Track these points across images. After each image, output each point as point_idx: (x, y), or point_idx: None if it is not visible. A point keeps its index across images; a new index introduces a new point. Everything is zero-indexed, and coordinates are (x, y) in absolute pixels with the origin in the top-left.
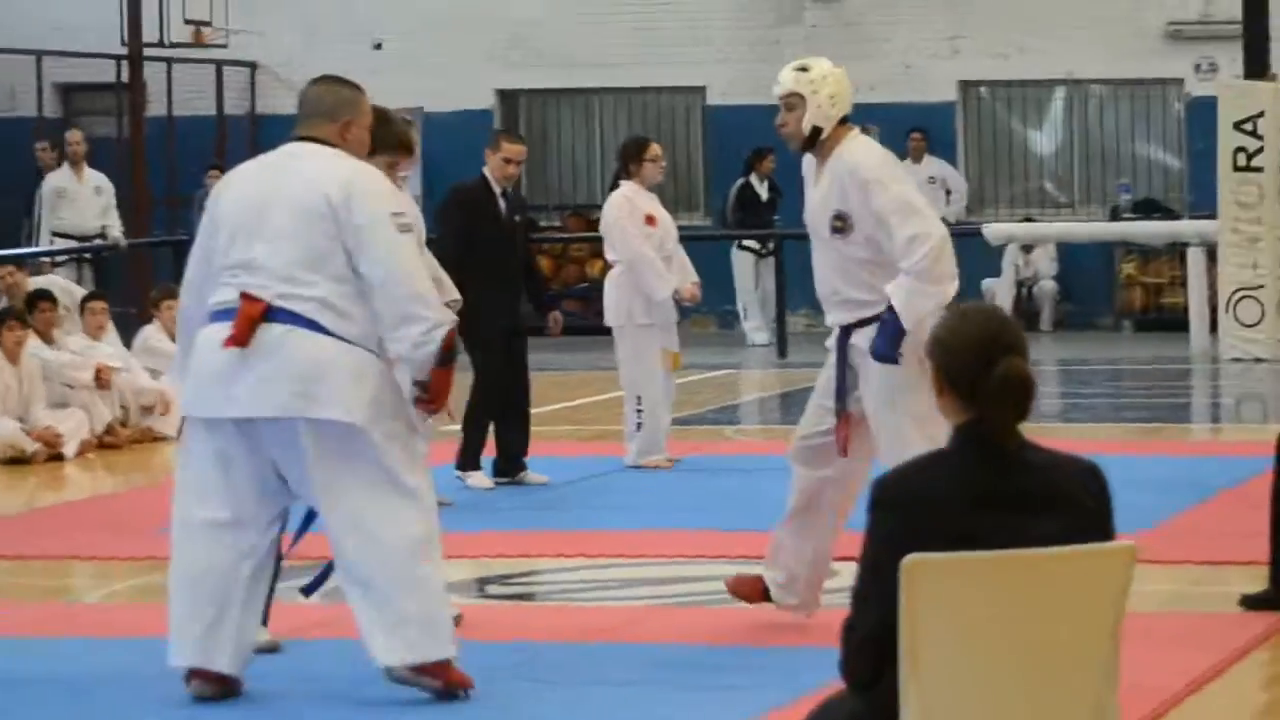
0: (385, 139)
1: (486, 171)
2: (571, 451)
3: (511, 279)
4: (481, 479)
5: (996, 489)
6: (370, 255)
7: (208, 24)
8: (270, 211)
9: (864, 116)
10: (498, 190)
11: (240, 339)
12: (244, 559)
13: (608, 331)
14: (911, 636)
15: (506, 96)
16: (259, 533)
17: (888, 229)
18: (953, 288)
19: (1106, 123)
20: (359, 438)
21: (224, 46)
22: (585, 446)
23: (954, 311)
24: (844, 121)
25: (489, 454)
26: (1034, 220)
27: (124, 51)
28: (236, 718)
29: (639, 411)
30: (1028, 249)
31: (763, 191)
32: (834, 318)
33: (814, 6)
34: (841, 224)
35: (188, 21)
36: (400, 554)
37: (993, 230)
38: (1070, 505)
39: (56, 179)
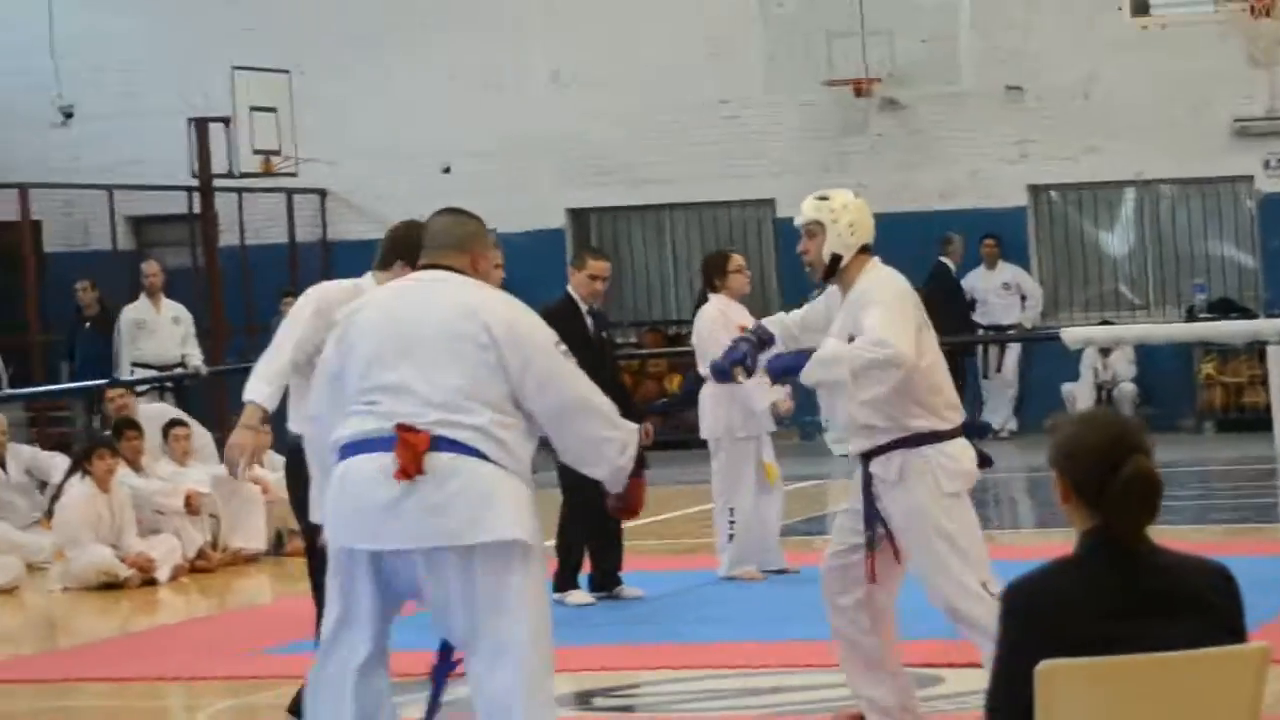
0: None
1: (571, 290)
2: (663, 565)
3: (614, 397)
4: (581, 596)
5: (1127, 593)
6: (549, 390)
7: (276, 153)
8: (419, 336)
9: (937, 224)
10: (584, 308)
11: (411, 470)
12: (382, 689)
13: (686, 445)
14: None
15: (578, 215)
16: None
17: (869, 325)
18: (851, 394)
19: (1179, 222)
20: (523, 561)
21: (293, 175)
22: (676, 560)
23: (1076, 419)
24: (864, 250)
25: (583, 570)
26: (1110, 323)
27: (194, 183)
28: None
29: (731, 523)
30: (1106, 352)
31: None
32: (855, 445)
33: (879, 116)
34: None
35: (256, 151)
36: (541, 684)
37: (1070, 334)
38: (1201, 607)
39: (135, 310)
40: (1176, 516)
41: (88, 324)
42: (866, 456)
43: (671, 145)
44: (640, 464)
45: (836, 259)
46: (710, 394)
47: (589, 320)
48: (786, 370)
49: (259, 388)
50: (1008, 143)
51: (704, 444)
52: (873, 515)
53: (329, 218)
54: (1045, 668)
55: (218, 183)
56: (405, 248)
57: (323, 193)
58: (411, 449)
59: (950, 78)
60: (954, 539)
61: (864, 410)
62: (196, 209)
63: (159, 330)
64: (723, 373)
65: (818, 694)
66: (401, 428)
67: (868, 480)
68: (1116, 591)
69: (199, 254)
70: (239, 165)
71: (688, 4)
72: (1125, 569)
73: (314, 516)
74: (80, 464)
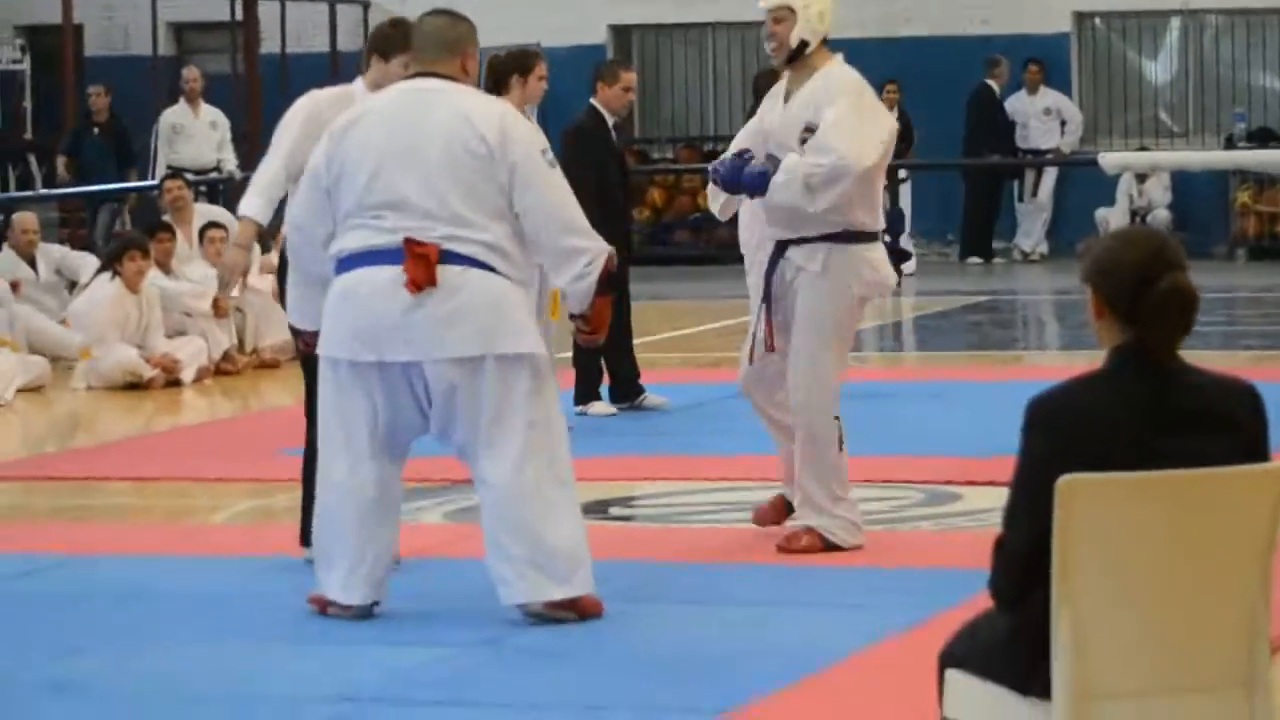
0: (399, 44)
1: (596, 103)
2: (686, 379)
3: (623, 209)
4: (603, 407)
5: (1156, 409)
6: (527, 193)
7: None
8: (419, 150)
9: (981, 48)
10: (609, 122)
11: (423, 282)
12: (385, 494)
13: (717, 260)
14: (1065, 555)
15: (620, 32)
16: (397, 466)
17: (822, 128)
18: (814, 208)
19: (1222, 52)
20: (535, 371)
21: None
22: (699, 373)
23: (1112, 235)
24: (825, 43)
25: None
26: (1148, 149)
27: None
28: (369, 632)
29: None
30: (1142, 178)
31: None
32: (774, 231)
33: None
34: (810, 136)
35: None
36: (552, 491)
37: (1108, 159)
38: (1229, 426)
39: (173, 115)
40: (1205, 341)
41: (95, 129)
42: (782, 245)
43: None
44: (609, 285)
45: (803, 45)
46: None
47: (613, 134)
48: (754, 186)
49: (251, 202)
50: None
51: (732, 259)
52: (772, 295)
53: (371, 28)
54: (1065, 482)
55: None
56: (378, 43)
57: (366, 3)
58: (423, 260)
59: None
60: (841, 341)
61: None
62: (239, 16)
63: (196, 135)
64: (760, 178)
65: None
66: (410, 241)
67: (776, 260)
68: (1143, 406)
69: (239, 61)
70: None
71: None
72: (1154, 384)
73: (292, 319)
74: (111, 263)
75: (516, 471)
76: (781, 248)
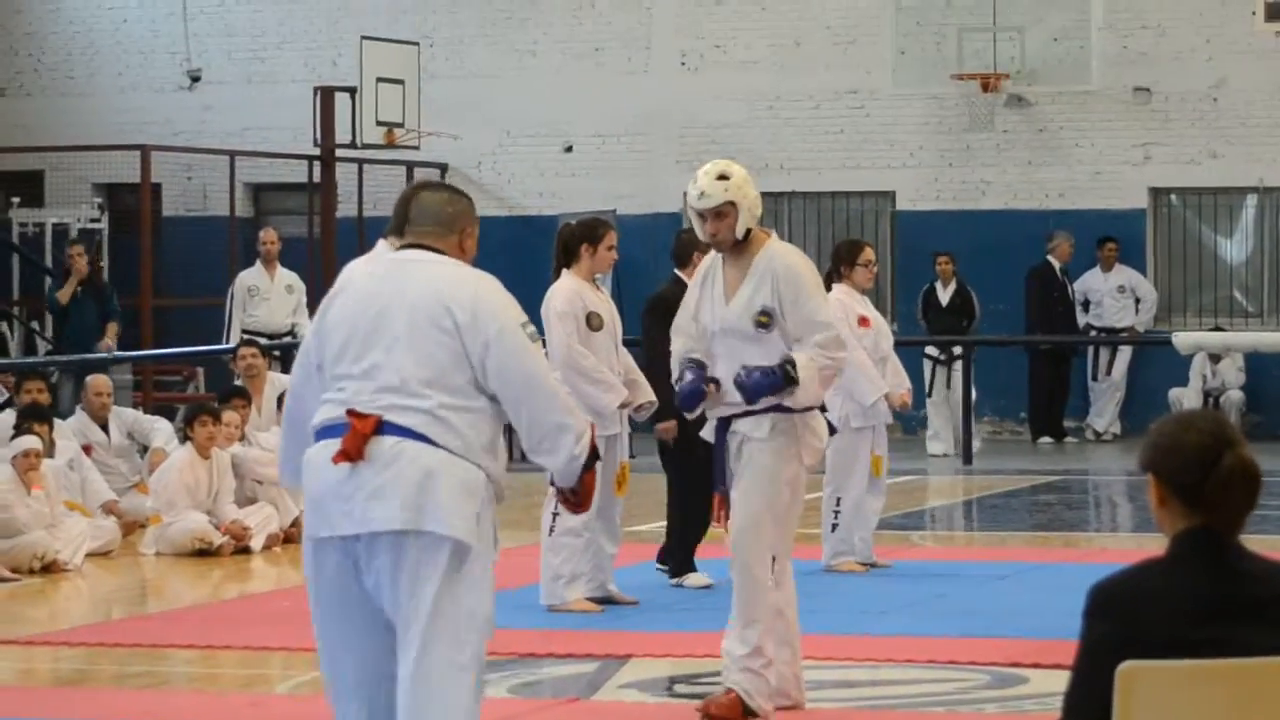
0: None
1: (682, 274)
2: None
3: None
4: (699, 578)
5: (1219, 596)
6: (507, 372)
7: (400, 125)
8: (386, 322)
9: (1054, 222)
10: None
11: (350, 454)
12: (376, 673)
13: None
14: None
15: None
16: (385, 640)
17: (812, 321)
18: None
19: None
20: (457, 555)
21: (415, 148)
22: None
23: (1172, 420)
24: None
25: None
26: (1223, 329)
27: (316, 152)
28: None
29: (836, 513)
30: (1216, 358)
31: (944, 296)
32: (719, 409)
33: (1005, 112)
34: (767, 320)
35: (380, 123)
36: (451, 688)
37: (1181, 339)
38: None
39: (249, 277)
40: (1270, 525)
41: (80, 288)
42: (726, 421)
43: (795, 133)
44: (595, 460)
45: (747, 233)
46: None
47: None
48: (767, 389)
49: None
50: (1132, 144)
51: None
52: (724, 472)
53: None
54: (1126, 669)
55: (339, 153)
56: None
57: (443, 167)
58: (356, 434)
59: (1079, 77)
60: (788, 509)
61: None
62: (317, 178)
63: (271, 297)
64: (691, 398)
65: (913, 688)
66: (351, 413)
67: (722, 437)
68: (1206, 594)
69: (316, 223)
70: (362, 136)
71: None
72: (1218, 571)
73: (285, 482)
74: (183, 429)
75: (418, 662)
76: (725, 423)
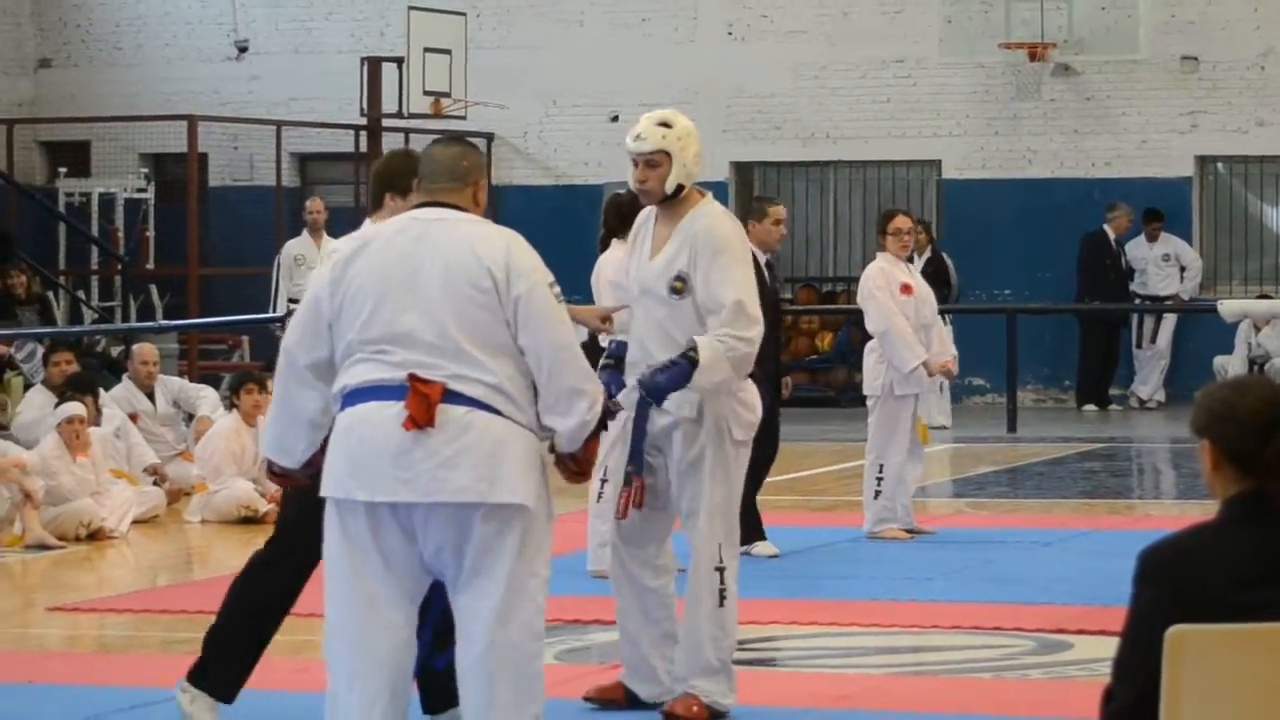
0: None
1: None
2: (803, 521)
3: (775, 353)
4: (767, 547)
5: (1271, 560)
6: (533, 329)
7: (446, 95)
8: (423, 282)
9: (1101, 191)
10: (763, 260)
11: (422, 420)
12: (406, 642)
13: (834, 403)
14: (1174, 708)
15: (741, 169)
16: (412, 612)
17: (717, 297)
18: (730, 383)
19: None
20: (526, 524)
21: (462, 118)
22: (816, 516)
23: (1227, 386)
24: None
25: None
26: (1269, 297)
27: (362, 122)
28: None
29: (879, 479)
30: (1260, 327)
31: (916, 265)
32: (635, 377)
33: (1052, 81)
34: (681, 286)
35: (427, 93)
36: (526, 656)
37: (1227, 306)
38: None
39: (296, 246)
40: None
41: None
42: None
43: (842, 103)
44: (602, 427)
45: (678, 189)
46: (871, 350)
47: (767, 274)
48: (670, 388)
49: None
50: (1179, 113)
51: (848, 402)
52: (640, 450)
53: (495, 162)
54: (1175, 633)
55: (386, 123)
56: (393, 179)
57: (490, 136)
58: (425, 399)
59: (1127, 46)
60: (729, 486)
61: (661, 347)
62: (363, 148)
63: (318, 267)
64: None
65: (958, 654)
66: (414, 378)
67: (642, 417)
68: (1258, 557)
69: (362, 193)
70: (409, 106)
71: None
72: (1268, 535)
73: (268, 453)
74: (229, 397)
75: (492, 634)
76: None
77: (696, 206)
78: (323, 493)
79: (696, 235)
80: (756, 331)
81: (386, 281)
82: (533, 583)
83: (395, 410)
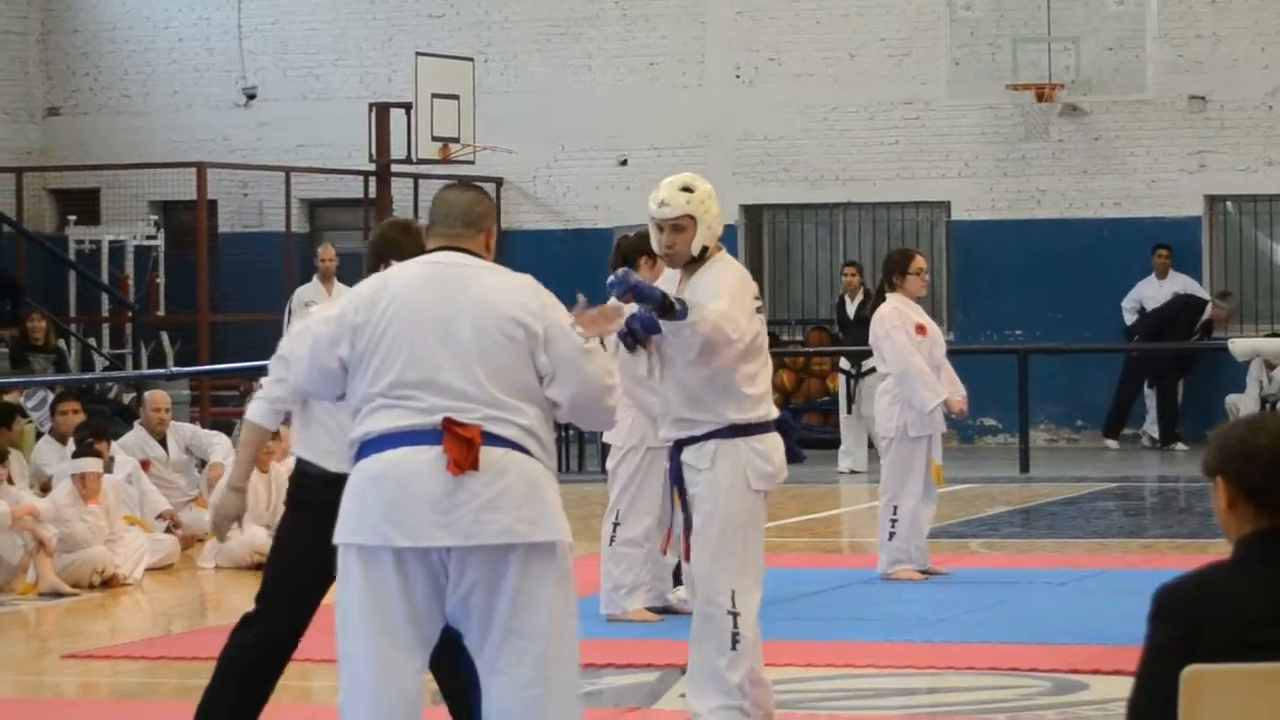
0: (411, 251)
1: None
2: (816, 563)
3: None
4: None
5: None
6: (564, 371)
7: (455, 140)
8: (451, 329)
9: (1110, 231)
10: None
11: (465, 464)
12: (421, 691)
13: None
14: None
15: (750, 211)
16: (426, 659)
17: (706, 303)
18: (688, 356)
19: None
20: (557, 560)
21: (470, 163)
22: (829, 559)
23: (1241, 424)
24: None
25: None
26: (1279, 335)
27: (371, 168)
28: None
29: (893, 521)
30: (1272, 365)
31: (851, 309)
32: (668, 431)
33: (1060, 121)
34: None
35: (435, 138)
36: (572, 689)
37: (1238, 345)
38: None
39: (307, 292)
40: None
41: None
42: (680, 445)
43: (850, 145)
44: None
45: (704, 250)
46: (884, 391)
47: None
48: (651, 317)
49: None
50: (1187, 152)
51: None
52: (685, 499)
53: (504, 206)
54: (1191, 673)
55: (394, 168)
56: (393, 250)
57: (499, 181)
58: (466, 442)
59: (1134, 86)
60: (746, 537)
61: (681, 401)
62: (372, 194)
63: (323, 307)
64: (641, 331)
65: (974, 695)
66: (450, 421)
67: (678, 469)
68: (1273, 596)
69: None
70: (417, 152)
71: (875, 5)
72: None
73: (222, 484)
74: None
75: (535, 678)
76: (678, 449)
77: (709, 263)
78: (346, 540)
79: (704, 285)
80: (733, 341)
81: (417, 329)
82: (571, 621)
83: (432, 454)
